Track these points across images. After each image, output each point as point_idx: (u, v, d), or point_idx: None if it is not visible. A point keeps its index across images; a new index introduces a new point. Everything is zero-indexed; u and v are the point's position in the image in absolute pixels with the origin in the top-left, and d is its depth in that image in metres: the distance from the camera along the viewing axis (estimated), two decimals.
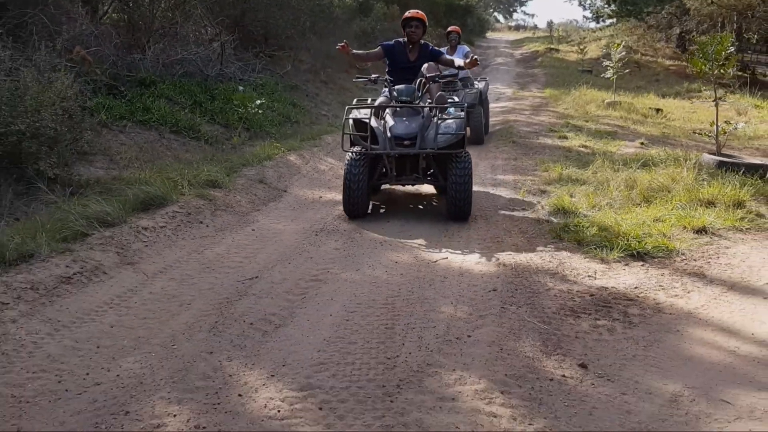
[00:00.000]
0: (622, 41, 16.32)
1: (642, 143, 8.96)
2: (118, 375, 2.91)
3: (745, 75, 20.00)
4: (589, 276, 4.14)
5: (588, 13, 37.83)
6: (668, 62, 22.84)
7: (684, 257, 4.41)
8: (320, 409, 2.66)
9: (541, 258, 4.47)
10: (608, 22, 30.20)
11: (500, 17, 61.83)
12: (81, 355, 3.09)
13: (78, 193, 5.51)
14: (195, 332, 3.35)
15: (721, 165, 6.64)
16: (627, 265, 4.32)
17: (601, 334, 3.40)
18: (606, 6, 27.84)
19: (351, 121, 5.94)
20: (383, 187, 6.47)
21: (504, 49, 32.32)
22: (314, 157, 8.11)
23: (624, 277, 4.11)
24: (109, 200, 5.05)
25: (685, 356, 3.18)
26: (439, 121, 5.75)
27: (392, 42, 6.27)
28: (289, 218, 5.68)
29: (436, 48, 6.34)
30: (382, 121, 5.84)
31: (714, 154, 7.16)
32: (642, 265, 4.31)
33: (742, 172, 6.36)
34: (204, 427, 2.51)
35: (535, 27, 51.63)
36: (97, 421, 2.55)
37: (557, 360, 3.12)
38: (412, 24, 6.09)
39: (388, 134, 5.64)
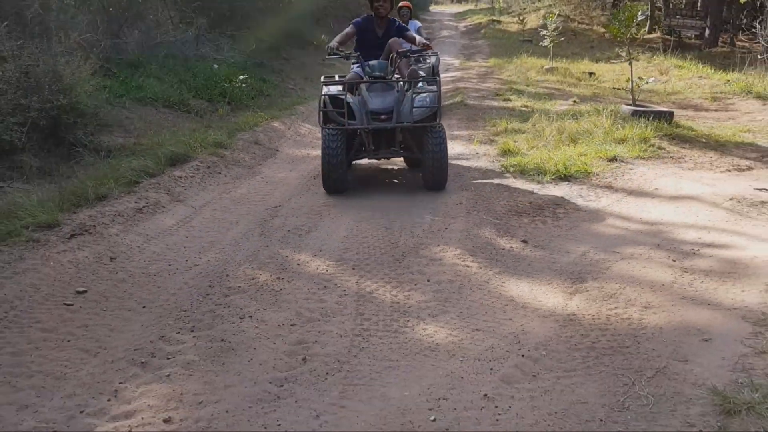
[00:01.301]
0: (557, 11, 18.00)
1: (574, 101, 10.57)
2: (208, 260, 4.30)
3: (671, 38, 22.05)
4: (528, 192, 5.70)
5: None
6: (602, 30, 24.68)
7: (598, 177, 6.02)
8: (353, 268, 4.13)
9: (494, 183, 6.01)
10: None
11: None
12: (175, 252, 4.45)
13: (111, 156, 6.77)
14: (250, 237, 4.76)
15: (634, 113, 8.28)
16: (556, 184, 5.90)
17: (536, 225, 4.95)
18: None
19: (326, 98, 6.06)
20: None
21: (448, 23, 33.82)
22: (294, 123, 9.47)
23: (554, 191, 5.69)
24: (143, 158, 6.35)
25: (594, 233, 4.76)
26: (414, 95, 5.96)
27: (361, 19, 6.57)
28: (287, 169, 7.06)
29: (402, 24, 6.73)
30: (358, 97, 6.01)
31: (630, 104, 8.82)
32: (567, 184, 5.89)
33: (651, 118, 8.03)
34: (281, 278, 3.95)
35: (477, 0, 53.21)
36: (209, 281, 3.94)
37: (507, 239, 4.66)
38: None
39: (365, 109, 5.85)
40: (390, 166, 7.15)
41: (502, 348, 3.15)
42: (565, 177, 6.02)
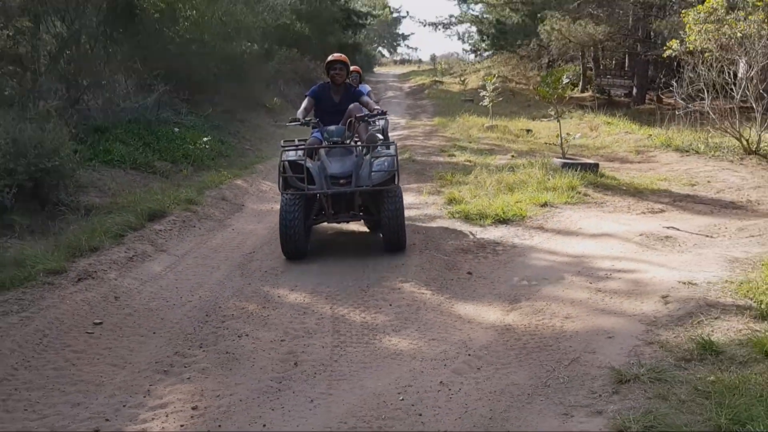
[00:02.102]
0: (495, 74, 19.56)
1: (512, 156, 11.75)
2: (200, 296, 5.08)
3: (603, 97, 23.95)
4: (471, 233, 6.68)
5: (467, 47, 41.88)
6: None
7: (531, 220, 7.06)
8: (326, 298, 4.98)
9: (442, 227, 6.98)
10: (486, 54, 34.06)
11: (385, 52, 66.04)
12: (169, 291, 5.22)
13: (90, 214, 7.48)
14: (233, 277, 5.56)
15: (564, 165, 9.45)
16: (496, 227, 6.90)
17: (479, 260, 5.90)
18: (481, 41, 31.68)
19: (286, 163, 6.18)
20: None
21: (393, 83, 35.55)
22: (255, 181, 10.33)
23: (494, 233, 6.69)
24: (124, 215, 7.10)
25: (527, 265, 5.73)
26: (372, 159, 6.18)
27: (317, 86, 6.97)
28: (255, 221, 7.89)
29: (358, 89, 7.16)
30: (318, 162, 6.24)
31: (560, 158, 10.01)
32: (505, 226, 6.90)
33: (578, 169, 9.20)
34: (267, 307, 4.76)
35: (420, 61, 55.77)
36: (205, 312, 4.73)
37: (454, 272, 5.59)
38: (336, 67, 6.76)
39: (325, 173, 6.05)
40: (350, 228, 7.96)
41: (452, 351, 4.03)
42: (503, 220, 7.04)
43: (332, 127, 6.38)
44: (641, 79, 22.22)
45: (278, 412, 3.33)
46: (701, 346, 3.67)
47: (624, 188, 8.81)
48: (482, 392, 3.50)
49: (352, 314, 4.65)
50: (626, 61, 25.87)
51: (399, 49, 67.81)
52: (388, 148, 6.46)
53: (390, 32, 63.79)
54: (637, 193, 8.61)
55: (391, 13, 55.25)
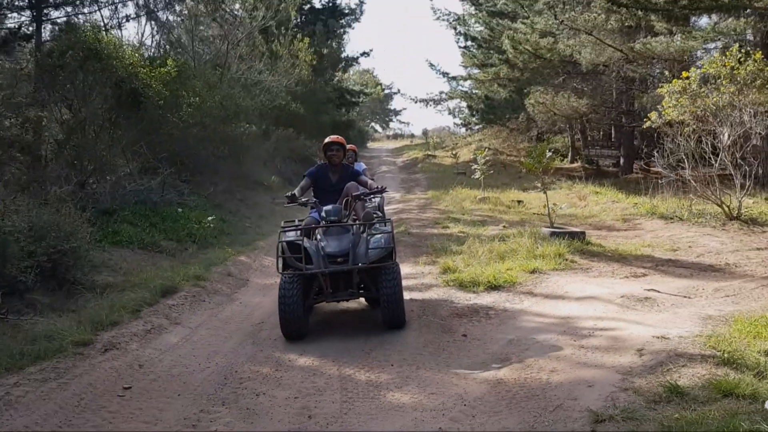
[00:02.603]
0: (486, 147, 20.49)
1: (504, 226, 12.42)
2: (216, 363, 5.61)
3: (591, 167, 24.92)
4: (466, 299, 7.25)
5: (458, 121, 43.36)
6: None
7: (521, 285, 7.65)
8: (333, 361, 5.51)
9: (438, 294, 7.56)
10: (476, 128, 35.33)
11: (378, 127, 67.89)
12: (188, 359, 5.74)
13: (105, 292, 8.03)
14: (245, 345, 6.10)
15: (552, 234, 10.11)
16: (488, 293, 7.48)
17: (473, 323, 6.46)
18: (471, 116, 32.98)
19: (284, 244, 6.40)
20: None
21: (386, 158, 36.66)
22: (257, 257, 10.94)
23: (486, 298, 7.26)
24: (138, 291, 7.66)
25: (517, 326, 6.29)
26: (369, 237, 6.41)
27: (315, 168, 7.41)
28: (260, 295, 8.45)
29: (356, 169, 7.58)
30: (315, 241, 6.43)
31: (549, 227, 10.67)
32: (497, 292, 7.49)
33: (566, 237, 9.85)
34: (279, 370, 5.28)
35: (412, 135, 57.37)
36: (223, 376, 5.24)
37: (450, 334, 6.14)
38: (333, 148, 7.18)
39: (322, 253, 6.22)
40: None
41: (450, 402, 4.55)
42: (495, 287, 7.62)
43: (329, 207, 6.58)
44: (627, 149, 23.20)
45: None
46: (668, 389, 4.22)
47: (609, 254, 9.45)
48: None
49: (357, 374, 5.18)
50: (612, 132, 26.97)
51: (391, 124, 69.74)
52: (384, 224, 6.72)
53: (382, 108, 65.77)
54: (621, 258, 9.24)
55: (383, 90, 57.28)
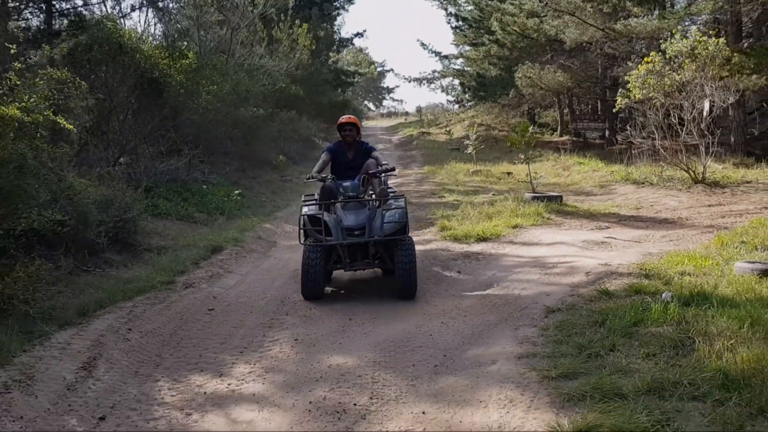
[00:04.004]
0: (477, 123, 22.39)
1: (494, 194, 14.39)
2: (272, 294, 7.56)
3: (579, 140, 26.88)
4: (459, 248, 9.24)
5: (451, 98, 45.16)
6: None
7: (505, 237, 9.65)
8: (361, 289, 7.47)
9: (437, 245, 9.54)
10: (469, 104, 37.17)
11: (371, 106, 69.65)
12: (248, 293, 7.69)
13: (161, 252, 9.95)
14: (289, 283, 8.04)
15: (533, 198, 12.09)
16: (478, 243, 9.47)
17: (466, 264, 8.45)
18: (464, 93, 34.86)
19: (306, 217, 7.12)
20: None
21: (382, 136, 38.50)
22: (279, 224, 12.88)
23: (476, 247, 9.25)
24: (190, 251, 9.59)
25: (500, 265, 8.27)
26: (384, 212, 7.01)
27: (333, 144, 8.13)
28: (290, 252, 10.39)
29: (369, 146, 8.15)
30: (334, 215, 7.14)
31: (531, 192, 12.64)
32: (485, 242, 9.47)
33: (545, 200, 11.84)
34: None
35: (406, 113, 59.08)
36: (280, 300, 7.20)
37: (448, 272, 8.13)
38: (347, 128, 7.85)
39: (341, 226, 6.92)
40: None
41: (448, 308, 6.54)
42: (483, 239, 9.61)
43: (348, 183, 7.33)
44: (612, 122, 25.15)
45: (346, 339, 5.82)
46: (600, 292, 6.24)
47: (581, 213, 11.46)
48: (467, 325, 6.01)
49: (381, 296, 7.17)
50: (599, 106, 28.89)
51: (385, 102, 71.53)
52: (398, 200, 7.37)
53: (375, 87, 67.51)
54: (590, 216, 11.25)
55: (376, 69, 58.95)
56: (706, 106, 16.70)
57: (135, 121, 15.15)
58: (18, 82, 7.06)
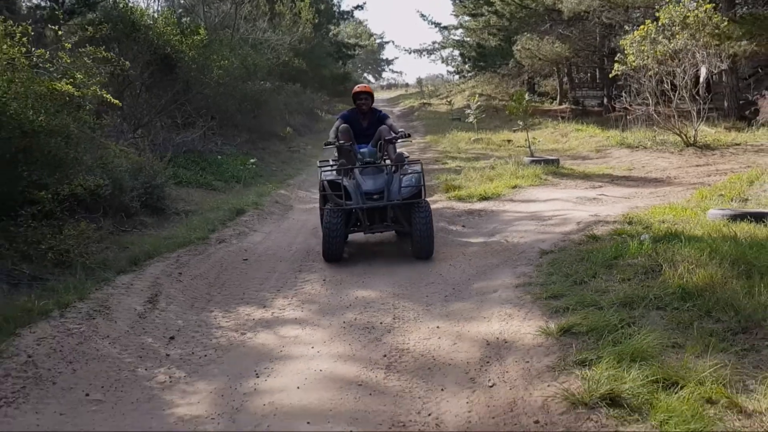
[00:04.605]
0: (478, 93, 23.26)
1: (494, 160, 15.34)
2: (296, 248, 8.55)
3: (578, 108, 27.75)
4: (463, 206, 10.23)
5: (451, 69, 45.86)
6: None
7: (505, 196, 10.63)
8: (376, 243, 8.46)
9: (442, 205, 10.52)
10: (469, 75, 37.96)
11: (371, 78, 70.25)
12: (275, 247, 8.67)
13: (189, 215, 10.93)
14: (311, 238, 9.02)
15: (532, 161, 13.04)
16: (480, 202, 10.45)
17: (469, 219, 9.44)
18: (464, 63, 35.64)
19: (326, 182, 7.50)
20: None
21: (383, 108, 39.00)
22: (293, 191, 13.86)
23: (478, 205, 10.23)
24: (216, 213, 10.56)
25: (500, 219, 9.26)
26: (401, 176, 7.41)
27: (347, 112, 8.42)
28: (306, 214, 11.37)
29: (383, 113, 8.57)
30: (353, 180, 7.43)
31: (529, 156, 13.60)
32: (486, 201, 10.46)
33: (542, 163, 12.80)
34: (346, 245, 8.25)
35: (407, 85, 59.78)
36: (305, 252, 8.20)
37: (453, 226, 9.13)
38: (362, 97, 8.23)
39: (360, 190, 7.27)
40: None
41: (454, 255, 7.53)
42: (485, 198, 10.59)
43: (365, 149, 7.72)
44: (609, 90, 26.02)
45: (368, 279, 6.83)
46: (588, 237, 7.23)
47: (576, 174, 12.44)
48: (473, 266, 7.01)
49: (397, 252, 8.16)
50: (597, 74, 29.71)
51: (384, 74, 72.14)
52: (414, 165, 7.85)
53: (374, 59, 68.07)
54: (585, 177, 12.23)
55: (376, 40, 59.53)
56: (703, 72, 17.60)
57: (149, 95, 16.06)
58: (69, 60, 7.96)
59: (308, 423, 3.79)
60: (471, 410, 3.83)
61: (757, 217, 7.20)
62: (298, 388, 4.28)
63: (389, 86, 65.34)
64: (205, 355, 5.01)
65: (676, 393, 3.44)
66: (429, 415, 3.84)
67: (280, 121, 23.13)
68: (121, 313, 5.70)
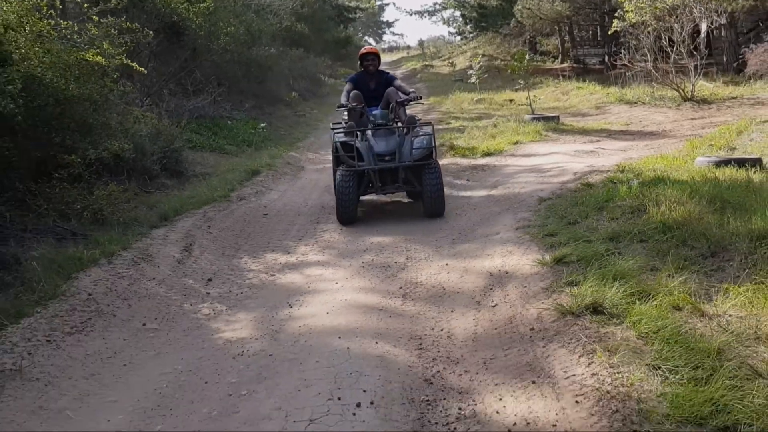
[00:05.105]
0: (481, 53, 23.72)
1: (496, 119, 15.93)
2: (312, 204, 9.24)
3: (580, 66, 28.19)
4: (467, 162, 10.89)
5: (453, 30, 46.10)
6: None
7: (507, 151, 11.29)
8: (392, 201, 9.15)
9: (448, 161, 11.18)
10: (471, 36, 38.28)
11: (371, 41, 70.24)
12: (292, 203, 9.36)
13: (206, 177, 11.60)
14: (324, 195, 9.70)
15: (533, 119, 13.66)
16: (483, 157, 11.11)
17: (473, 173, 10.12)
18: (465, 24, 35.96)
19: (339, 144, 7.69)
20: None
21: (386, 71, 39.68)
22: (303, 153, 14.51)
23: (481, 161, 10.89)
24: (232, 174, 11.23)
25: (502, 173, 9.93)
26: (413, 138, 7.63)
27: (355, 74, 8.72)
28: (317, 173, 12.03)
29: (391, 75, 8.81)
30: (365, 142, 7.63)
31: (530, 114, 14.20)
32: (489, 156, 11.11)
33: (542, 120, 13.41)
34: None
35: (408, 47, 59.93)
36: (320, 207, 8.89)
37: (459, 180, 9.81)
38: (368, 58, 8.49)
39: (372, 152, 7.49)
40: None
41: (460, 204, 8.22)
42: (488, 154, 11.25)
43: (377, 111, 7.88)
44: (610, 47, 26.40)
45: (382, 227, 7.53)
46: (583, 185, 7.90)
47: (575, 130, 13.07)
48: (477, 214, 7.70)
49: (409, 211, 8.85)
50: (598, 32, 30.05)
51: (385, 37, 72.16)
52: (425, 127, 8.05)
53: (375, 21, 68.08)
54: (583, 132, 12.86)
55: (376, 3, 59.57)
56: (703, 27, 18.07)
57: (158, 63, 16.64)
58: (96, 32, 8.58)
59: (339, 338, 4.50)
60: (477, 325, 4.56)
61: (740, 163, 7.86)
62: (327, 313, 5.00)
63: (391, 49, 65.45)
64: (241, 293, 5.74)
65: (648, 302, 4.15)
66: (441, 330, 4.57)
67: (285, 86, 23.65)
68: (161, 260, 6.42)
